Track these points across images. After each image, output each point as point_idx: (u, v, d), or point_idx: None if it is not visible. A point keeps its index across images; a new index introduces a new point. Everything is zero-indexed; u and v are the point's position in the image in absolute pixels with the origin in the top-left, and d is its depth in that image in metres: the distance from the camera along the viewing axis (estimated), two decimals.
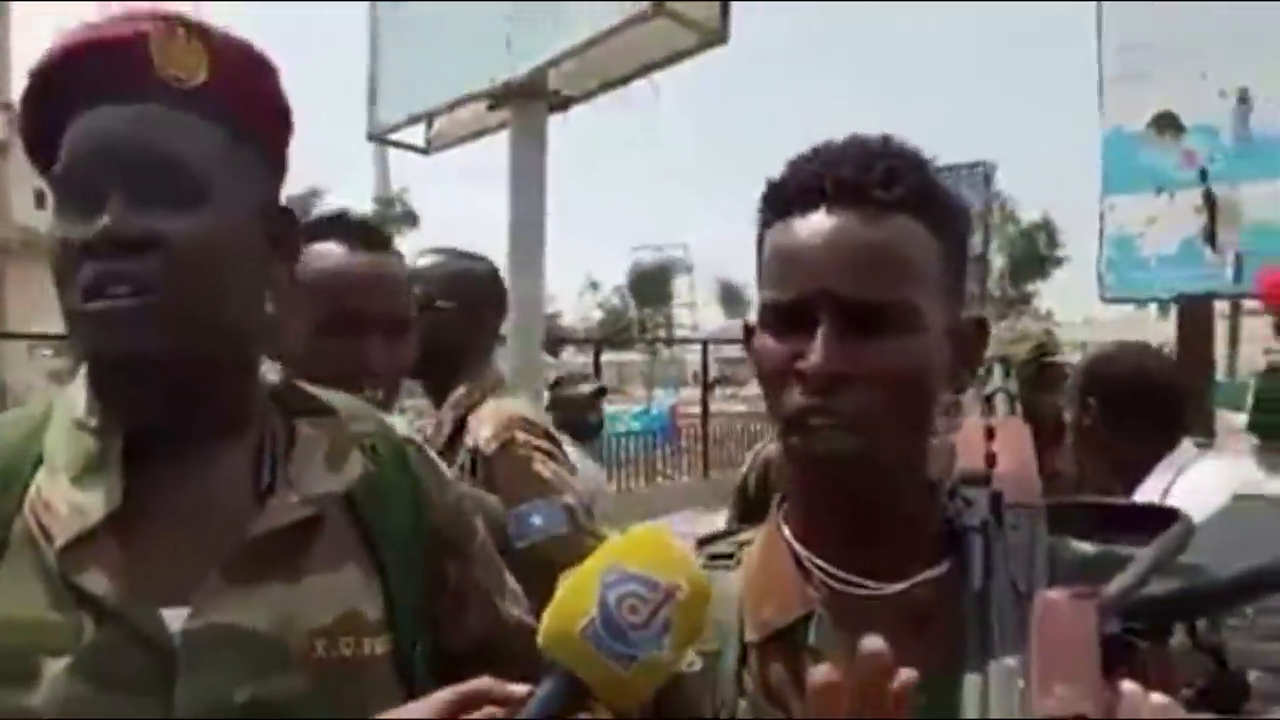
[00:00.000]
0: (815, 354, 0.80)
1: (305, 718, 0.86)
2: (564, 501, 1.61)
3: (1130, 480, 2.29)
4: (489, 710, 0.76)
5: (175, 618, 0.85)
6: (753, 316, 0.89)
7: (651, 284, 32.78)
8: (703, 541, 0.98)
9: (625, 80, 5.31)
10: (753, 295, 0.93)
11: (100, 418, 0.90)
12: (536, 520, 1.56)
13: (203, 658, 0.84)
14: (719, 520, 3.10)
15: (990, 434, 0.88)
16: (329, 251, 1.42)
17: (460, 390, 1.81)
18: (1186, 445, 2.30)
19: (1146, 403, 2.27)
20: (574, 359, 12.56)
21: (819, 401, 0.81)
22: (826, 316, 0.81)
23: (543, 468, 1.66)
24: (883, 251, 0.82)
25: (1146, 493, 2.23)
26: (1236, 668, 1.16)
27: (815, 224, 0.83)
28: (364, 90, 5.16)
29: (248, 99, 0.92)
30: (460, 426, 1.75)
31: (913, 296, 0.82)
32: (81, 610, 0.83)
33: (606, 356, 10.19)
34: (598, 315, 31.94)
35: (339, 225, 1.47)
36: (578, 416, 4.93)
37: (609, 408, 10.88)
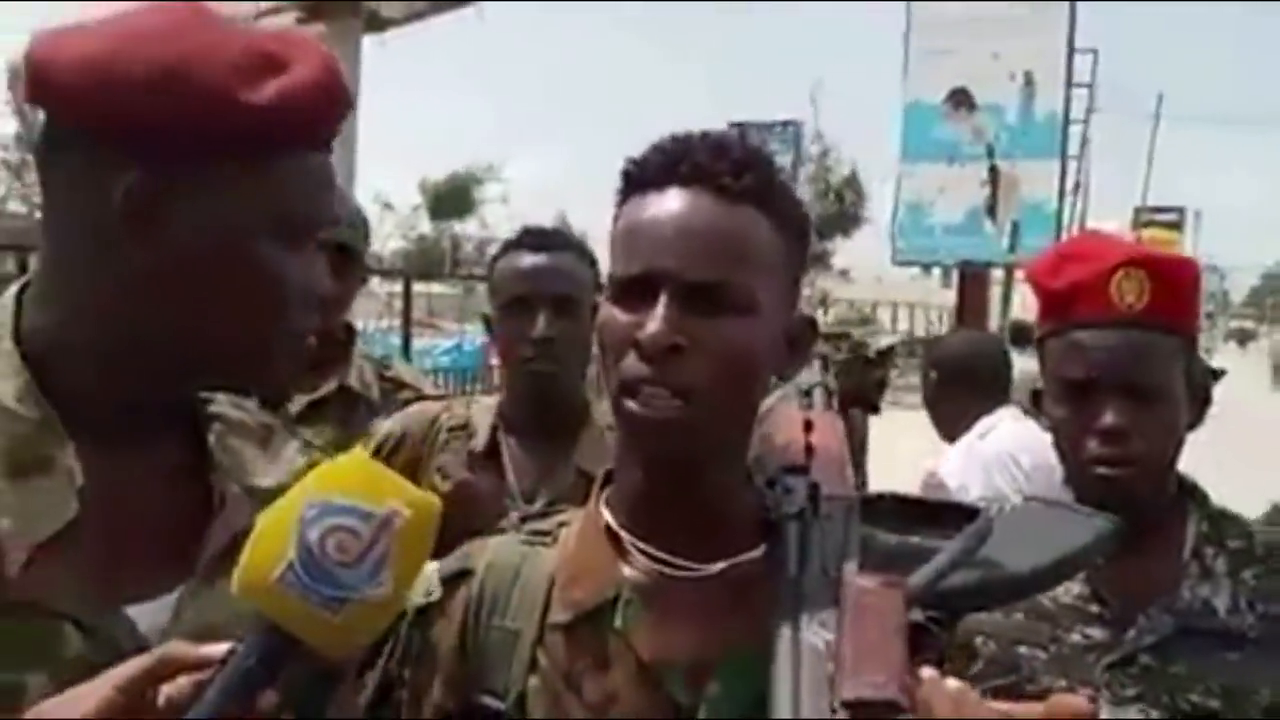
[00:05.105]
0: (654, 323, 0.83)
1: None
2: None
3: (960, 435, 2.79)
4: (183, 680, 0.68)
5: (142, 614, 0.82)
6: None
7: (451, 199, 31.01)
8: (524, 519, 0.98)
9: (448, 4, 5.11)
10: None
11: (38, 408, 0.84)
12: None
13: None
14: None
15: (809, 426, 0.92)
16: None
17: None
18: (1000, 411, 2.76)
19: (968, 376, 2.84)
20: (380, 289, 12.06)
21: (653, 371, 0.83)
22: (667, 291, 0.84)
23: None
24: (725, 236, 0.85)
25: (958, 447, 2.77)
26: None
27: (665, 202, 0.86)
28: None
29: None
30: None
31: (749, 281, 0.85)
32: (44, 619, 0.79)
33: (417, 287, 9.89)
34: (400, 244, 30.23)
35: None
36: None
37: (418, 342, 10.47)
